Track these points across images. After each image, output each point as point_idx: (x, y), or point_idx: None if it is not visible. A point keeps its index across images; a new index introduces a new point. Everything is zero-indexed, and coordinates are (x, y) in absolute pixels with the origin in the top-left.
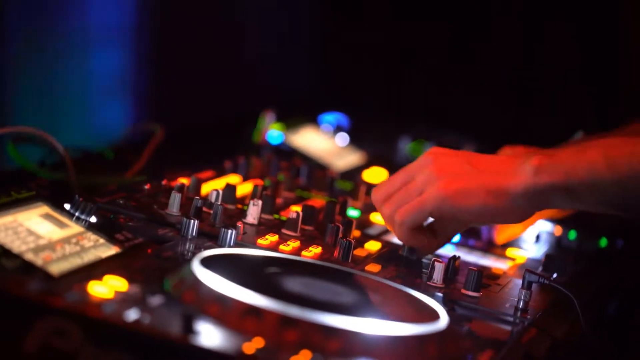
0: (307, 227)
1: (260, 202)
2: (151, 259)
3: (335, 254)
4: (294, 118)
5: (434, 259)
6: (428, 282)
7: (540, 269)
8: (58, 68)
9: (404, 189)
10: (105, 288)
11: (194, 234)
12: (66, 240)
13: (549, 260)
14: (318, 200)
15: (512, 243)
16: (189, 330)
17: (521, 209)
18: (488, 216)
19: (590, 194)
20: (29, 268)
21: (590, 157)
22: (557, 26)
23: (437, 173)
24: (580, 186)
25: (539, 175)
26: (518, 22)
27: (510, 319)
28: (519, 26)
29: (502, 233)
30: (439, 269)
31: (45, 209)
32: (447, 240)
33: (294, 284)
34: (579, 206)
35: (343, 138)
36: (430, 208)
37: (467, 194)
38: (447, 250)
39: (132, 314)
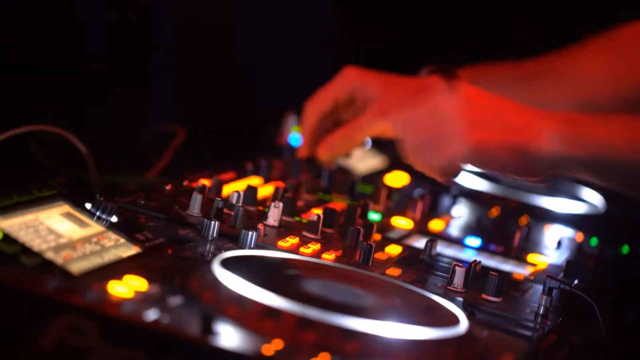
0: (327, 230)
1: (281, 204)
2: (171, 259)
3: (356, 257)
4: None
5: (454, 263)
6: (448, 287)
7: (561, 275)
8: (81, 66)
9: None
10: (125, 288)
11: (214, 235)
12: (87, 239)
13: (570, 266)
14: (339, 203)
15: (533, 249)
16: (208, 331)
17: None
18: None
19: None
20: (49, 266)
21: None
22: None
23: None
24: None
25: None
26: (534, 25)
27: (530, 324)
28: (535, 29)
29: None
30: (459, 273)
31: (66, 207)
32: None
33: (313, 286)
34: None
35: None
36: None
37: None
38: (469, 255)
39: (152, 314)
